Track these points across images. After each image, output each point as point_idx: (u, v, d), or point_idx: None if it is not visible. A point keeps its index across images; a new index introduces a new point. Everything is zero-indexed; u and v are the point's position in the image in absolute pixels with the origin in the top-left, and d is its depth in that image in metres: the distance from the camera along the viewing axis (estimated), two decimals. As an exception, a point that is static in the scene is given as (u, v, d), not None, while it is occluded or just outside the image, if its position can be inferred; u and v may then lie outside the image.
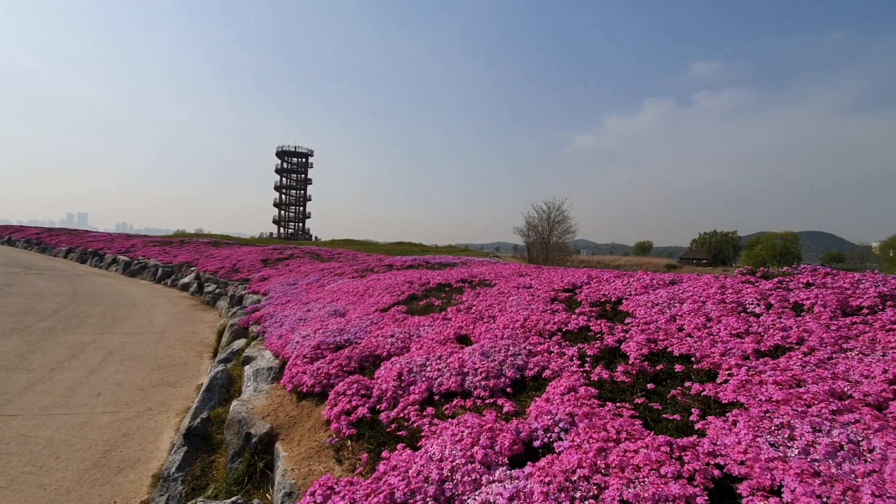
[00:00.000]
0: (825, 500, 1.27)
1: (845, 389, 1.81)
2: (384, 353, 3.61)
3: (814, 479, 1.34)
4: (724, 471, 1.52)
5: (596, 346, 2.90)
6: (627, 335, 2.94)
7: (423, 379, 2.85)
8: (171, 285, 14.10)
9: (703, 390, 2.07)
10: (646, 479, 1.50)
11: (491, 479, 1.75)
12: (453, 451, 1.92)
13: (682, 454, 1.61)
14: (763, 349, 2.38)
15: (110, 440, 3.89)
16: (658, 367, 2.45)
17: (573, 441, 1.84)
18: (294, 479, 2.36)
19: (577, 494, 1.54)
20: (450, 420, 2.28)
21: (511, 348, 3.01)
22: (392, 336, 3.88)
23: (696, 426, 1.82)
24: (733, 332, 2.63)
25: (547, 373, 2.69)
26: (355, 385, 2.96)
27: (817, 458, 1.44)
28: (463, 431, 2.06)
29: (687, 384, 2.19)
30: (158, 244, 20.72)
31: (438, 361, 3.02)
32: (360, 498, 1.82)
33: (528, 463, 1.81)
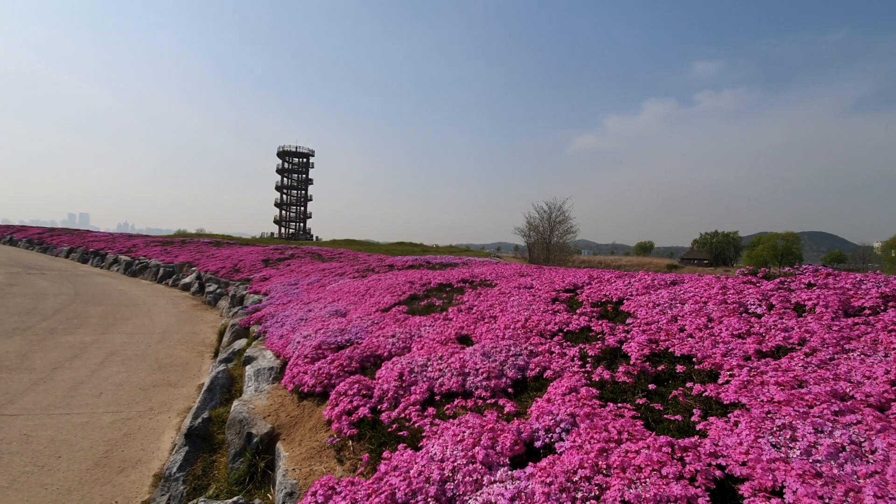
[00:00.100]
0: (827, 501, 1.27)
1: (847, 390, 1.81)
2: (385, 354, 3.61)
3: (816, 479, 1.34)
4: (726, 471, 1.51)
5: (597, 346, 2.90)
6: (629, 336, 2.94)
7: (425, 379, 2.85)
8: (173, 285, 14.13)
9: (705, 391, 2.07)
10: (647, 479, 1.50)
11: (492, 479, 1.75)
12: (454, 452, 1.92)
13: (684, 455, 1.60)
14: (765, 350, 2.37)
15: (111, 440, 3.89)
16: (659, 368, 2.45)
17: (575, 441, 1.84)
18: (295, 479, 2.36)
19: (579, 495, 1.54)
20: (451, 420, 2.28)
21: (512, 348, 3.01)
22: (393, 336, 3.88)
23: (698, 427, 1.82)
24: (735, 332, 2.63)
25: (548, 373, 2.69)
26: (356, 385, 2.96)
27: (819, 458, 1.44)
28: (464, 432, 2.06)
29: (688, 385, 2.19)
30: (160, 244, 20.76)
31: (439, 362, 3.02)
32: (362, 498, 1.82)
33: (530, 463, 1.81)
